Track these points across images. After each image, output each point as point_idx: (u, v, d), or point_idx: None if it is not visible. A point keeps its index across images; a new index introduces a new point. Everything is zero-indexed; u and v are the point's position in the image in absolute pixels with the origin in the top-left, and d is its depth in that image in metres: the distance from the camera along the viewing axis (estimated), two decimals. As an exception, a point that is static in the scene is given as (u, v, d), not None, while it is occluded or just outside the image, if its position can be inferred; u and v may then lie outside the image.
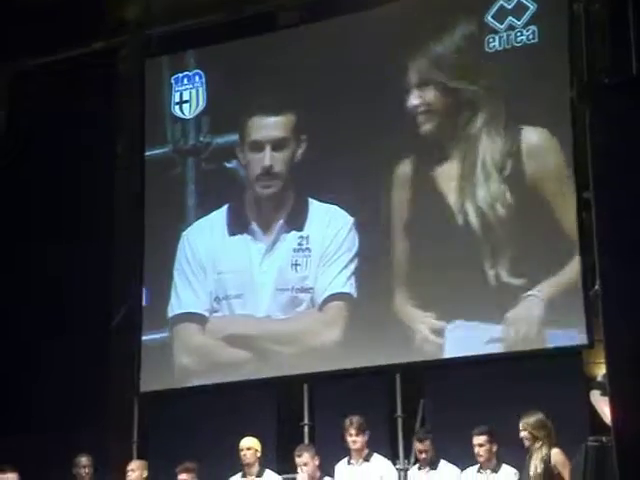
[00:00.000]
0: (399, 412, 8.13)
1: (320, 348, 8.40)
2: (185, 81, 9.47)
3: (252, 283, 8.74)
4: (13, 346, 9.12)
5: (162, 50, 9.63)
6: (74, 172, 9.38)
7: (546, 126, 7.82)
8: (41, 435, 8.74)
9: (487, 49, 8.22)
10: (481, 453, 6.82)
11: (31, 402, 9.01)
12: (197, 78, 9.42)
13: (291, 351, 8.51)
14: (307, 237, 8.65)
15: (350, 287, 8.42)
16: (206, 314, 8.87)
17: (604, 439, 5.58)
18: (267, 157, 8.83)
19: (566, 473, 6.26)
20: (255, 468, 7.56)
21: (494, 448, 6.83)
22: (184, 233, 9.08)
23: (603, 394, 5.74)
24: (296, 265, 8.62)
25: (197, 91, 9.40)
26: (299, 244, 8.65)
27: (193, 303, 8.92)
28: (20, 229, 9.49)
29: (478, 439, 6.84)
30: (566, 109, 7.73)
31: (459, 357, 7.89)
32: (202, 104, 9.37)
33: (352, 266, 8.44)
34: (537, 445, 6.41)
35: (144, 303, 9.11)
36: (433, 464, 7.09)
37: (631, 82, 5.65)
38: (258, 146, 8.89)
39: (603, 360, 5.91)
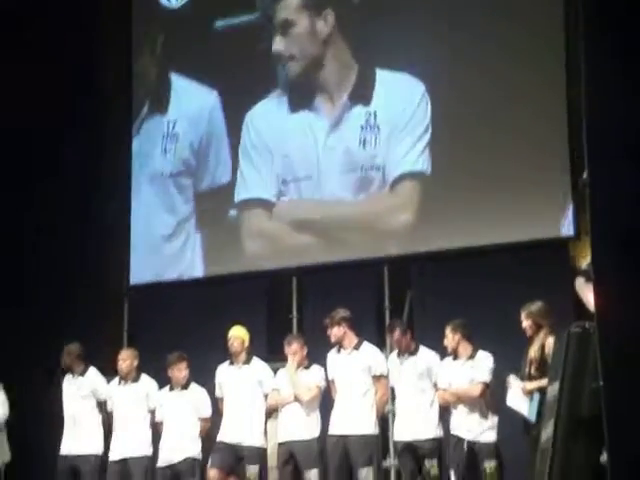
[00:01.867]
0: (387, 304, 8.26)
1: (390, 232, 8.21)
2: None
3: (318, 164, 8.54)
4: (9, 232, 9.14)
5: None
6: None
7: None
8: (32, 323, 8.84)
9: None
10: (445, 343, 7.11)
11: (25, 289, 9.07)
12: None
13: (360, 236, 8.33)
14: (374, 112, 8.35)
15: (423, 164, 8.19)
16: (273, 199, 8.72)
17: (587, 325, 5.66)
18: (276, 42, 8.76)
19: None
20: (242, 356, 7.68)
21: (457, 337, 7.04)
22: (247, 115, 8.87)
23: (588, 281, 5.80)
24: (364, 143, 8.36)
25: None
26: (366, 120, 8.36)
27: (260, 187, 8.76)
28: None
29: (445, 331, 7.09)
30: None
31: (445, 250, 7.97)
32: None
33: (425, 139, 8.17)
34: (539, 333, 6.62)
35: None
36: (412, 352, 7.24)
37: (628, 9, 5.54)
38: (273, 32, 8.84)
39: (589, 252, 5.95)
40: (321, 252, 8.49)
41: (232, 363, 7.71)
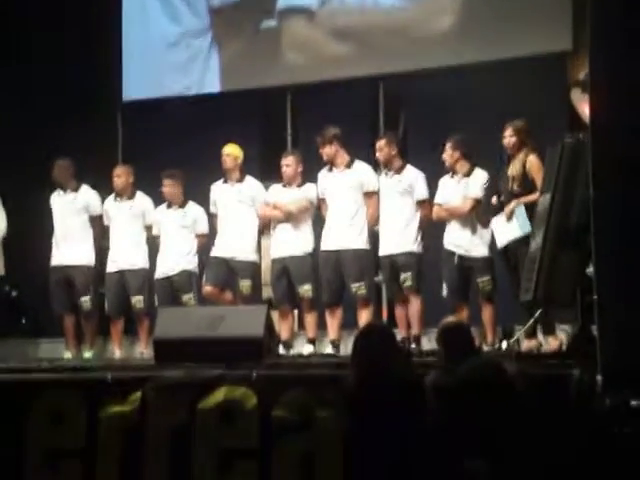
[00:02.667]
0: (381, 122, 8.24)
1: (430, 39, 8.07)
2: None
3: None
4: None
5: None
6: None
7: None
8: (25, 140, 8.79)
9: None
10: (445, 158, 7.10)
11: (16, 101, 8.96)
12: None
13: (400, 43, 8.15)
14: None
15: None
16: (314, 6, 8.51)
17: (581, 136, 5.66)
18: None
19: (538, 177, 6.49)
20: (235, 174, 7.71)
21: (456, 155, 7.03)
22: None
23: (584, 92, 5.76)
24: None
25: None
26: None
27: None
28: None
29: (444, 147, 7.08)
30: None
31: (441, 67, 7.89)
32: None
33: None
34: (520, 150, 6.65)
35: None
36: (398, 170, 7.26)
37: None
38: None
39: (586, 67, 5.88)
40: (360, 62, 8.32)
41: (226, 181, 7.75)
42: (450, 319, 5.05)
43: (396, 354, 4.39)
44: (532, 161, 6.61)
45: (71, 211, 8.03)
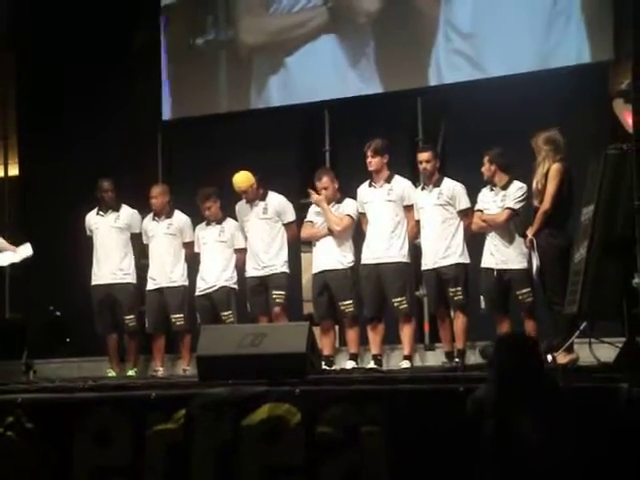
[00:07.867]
0: (420, 136, 8.21)
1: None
2: None
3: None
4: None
5: None
6: None
7: None
8: (68, 156, 8.86)
9: None
10: (483, 171, 7.05)
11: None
12: None
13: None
14: None
15: None
16: None
17: (624, 146, 5.59)
18: None
19: (551, 184, 6.33)
20: (251, 196, 7.70)
21: (493, 168, 6.98)
22: None
23: (626, 102, 5.70)
24: None
25: None
26: None
27: None
28: None
29: (483, 160, 7.02)
30: None
31: (482, 79, 7.85)
32: None
33: None
34: (539, 160, 6.45)
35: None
36: (436, 183, 7.23)
37: None
38: None
39: (629, 77, 5.82)
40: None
41: (248, 201, 7.78)
42: (504, 333, 4.99)
43: (537, 361, 4.36)
44: (552, 169, 6.35)
45: (114, 230, 8.09)
